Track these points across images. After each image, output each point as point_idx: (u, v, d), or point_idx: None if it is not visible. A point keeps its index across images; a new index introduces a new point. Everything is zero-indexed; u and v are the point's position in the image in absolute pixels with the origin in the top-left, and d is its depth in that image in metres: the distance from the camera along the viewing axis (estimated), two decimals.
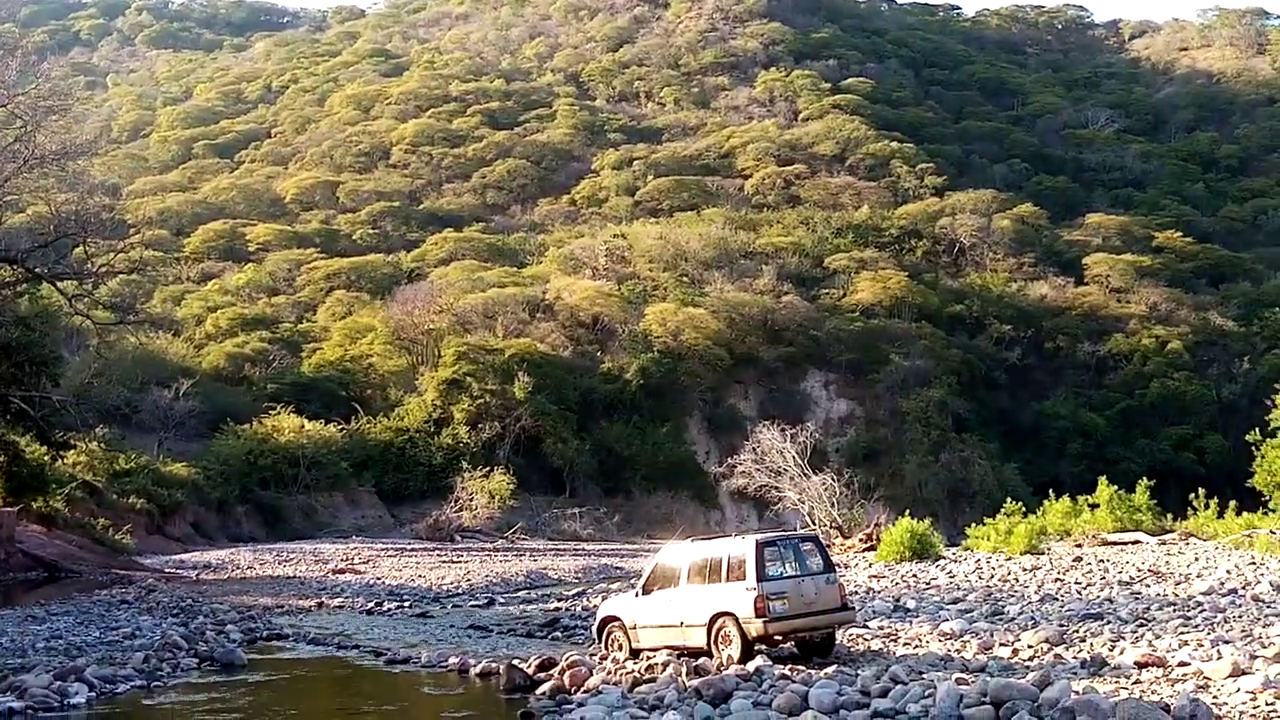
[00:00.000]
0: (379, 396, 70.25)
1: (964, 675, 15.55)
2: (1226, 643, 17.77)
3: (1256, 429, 41.20)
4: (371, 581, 34.90)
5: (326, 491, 59.67)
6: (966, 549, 40.93)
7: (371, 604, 29.64)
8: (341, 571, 38.01)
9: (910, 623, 22.00)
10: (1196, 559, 33.69)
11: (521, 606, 29.27)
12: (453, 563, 40.91)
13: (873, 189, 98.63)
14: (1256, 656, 16.30)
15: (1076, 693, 13.60)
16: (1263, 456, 40.09)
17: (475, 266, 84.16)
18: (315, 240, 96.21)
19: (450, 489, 58.22)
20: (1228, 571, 29.85)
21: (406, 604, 29.77)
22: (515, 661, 18.58)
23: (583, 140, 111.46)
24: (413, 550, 46.72)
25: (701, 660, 17.86)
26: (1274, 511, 39.45)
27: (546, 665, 18.16)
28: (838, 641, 19.44)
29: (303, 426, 60.85)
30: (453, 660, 19.96)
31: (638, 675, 17.35)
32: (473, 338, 70.98)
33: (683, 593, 19.04)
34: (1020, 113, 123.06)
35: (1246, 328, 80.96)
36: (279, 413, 61.88)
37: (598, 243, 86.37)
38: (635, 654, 19.21)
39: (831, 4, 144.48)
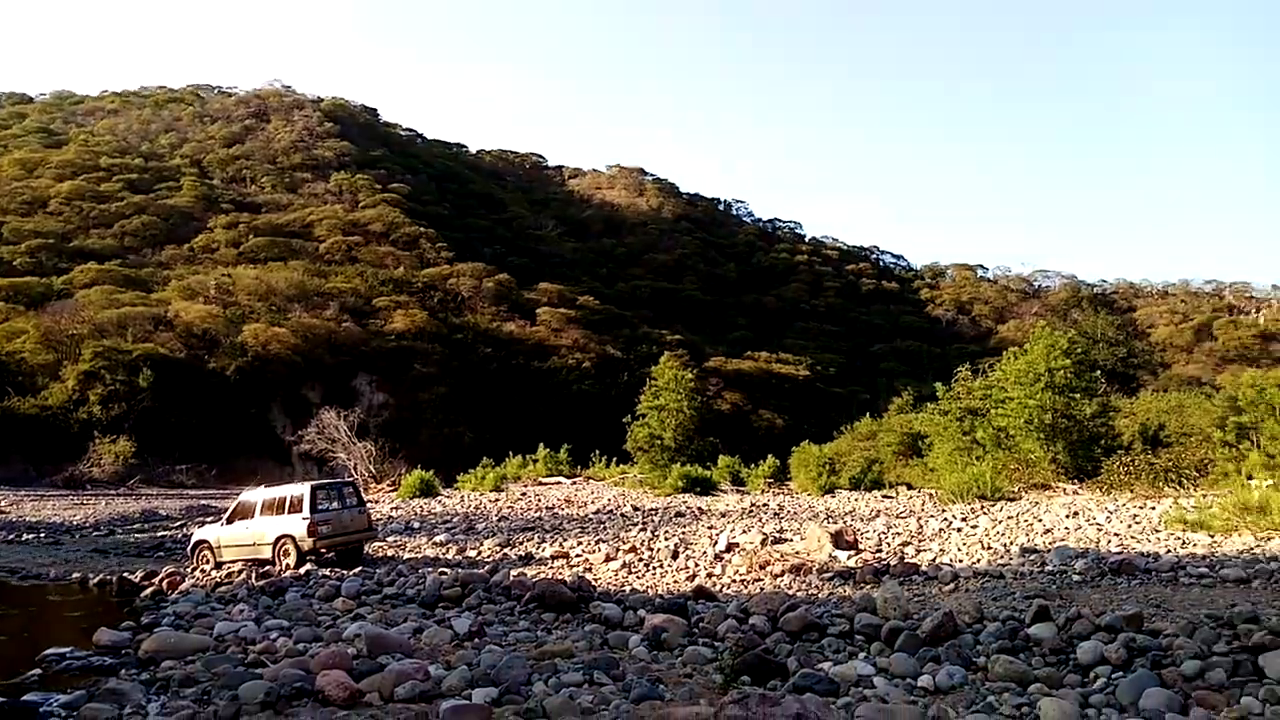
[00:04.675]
0: (29, 383, 60.19)
1: (445, 569, 15.55)
2: (604, 542, 18.90)
3: (629, 415, 44.41)
4: (14, 519, 29.82)
5: None
6: (457, 489, 41.05)
7: (12, 536, 25.30)
8: None
9: (414, 537, 21.71)
10: (593, 493, 35.64)
11: (135, 536, 26.06)
12: (83, 505, 35.76)
13: (407, 256, 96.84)
14: (620, 549, 17.45)
15: (514, 575, 13.94)
16: (631, 432, 43.25)
17: (113, 290, 73.96)
18: None
19: (85, 451, 51.26)
20: (610, 499, 31.80)
21: (42, 535, 25.69)
22: (124, 573, 16.56)
23: (202, 207, 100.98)
24: (51, 496, 40.40)
25: (267, 568, 16.81)
26: (636, 464, 42.65)
27: (150, 576, 16.40)
28: (365, 552, 18.88)
29: None
30: (75, 575, 17.51)
31: (219, 580, 16.05)
32: (108, 341, 62.67)
33: (257, 522, 17.90)
34: (502, 216, 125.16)
35: (627, 355, 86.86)
36: None
37: (210, 279, 79.06)
38: (219, 566, 17.79)
39: (385, 134, 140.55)
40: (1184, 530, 16.30)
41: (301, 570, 16.17)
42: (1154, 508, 20.54)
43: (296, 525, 17.21)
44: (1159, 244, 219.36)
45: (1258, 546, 14.13)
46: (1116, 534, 16.60)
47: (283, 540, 17.30)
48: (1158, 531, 16.59)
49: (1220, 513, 16.31)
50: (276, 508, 17.79)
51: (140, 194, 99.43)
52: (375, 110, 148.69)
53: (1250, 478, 20.22)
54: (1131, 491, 24.25)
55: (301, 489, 17.91)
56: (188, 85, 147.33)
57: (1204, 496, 19.80)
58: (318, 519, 17.25)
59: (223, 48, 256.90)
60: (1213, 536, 15.44)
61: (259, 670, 8.33)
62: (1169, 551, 14.24)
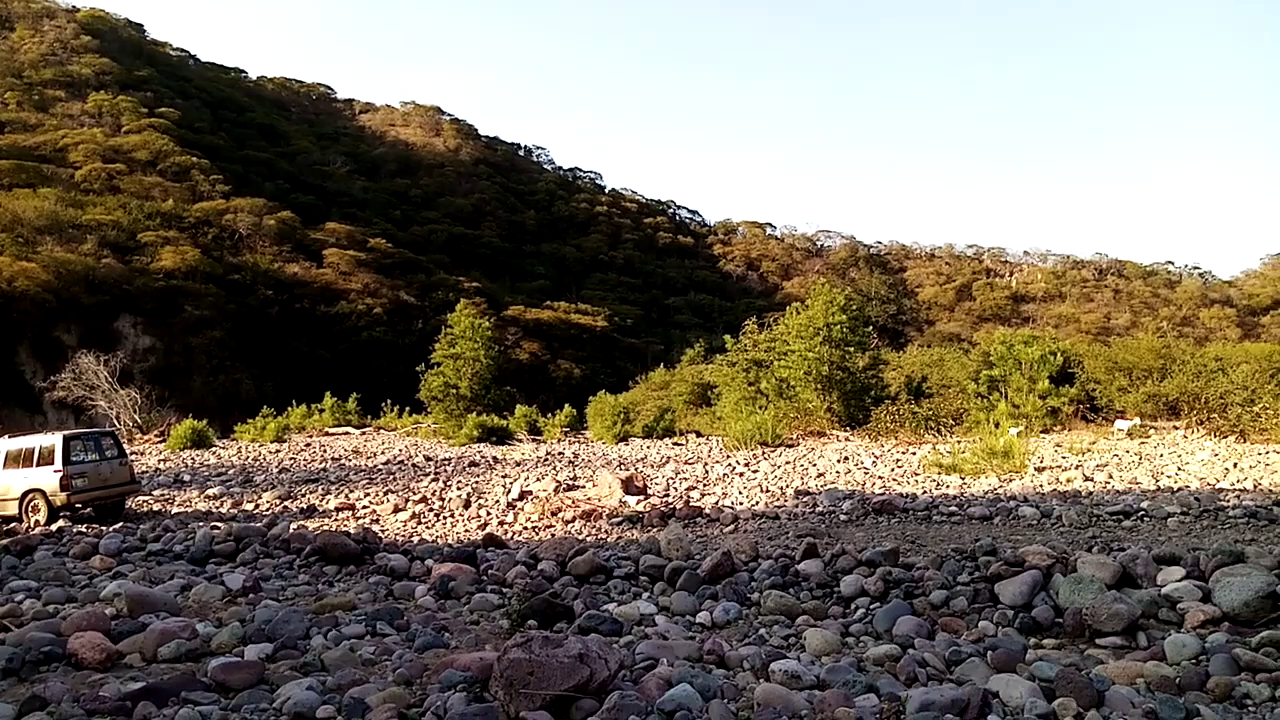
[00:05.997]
0: None
1: (218, 524, 14.73)
2: (393, 493, 18.55)
3: (423, 363, 43.45)
4: None
5: None
6: (234, 440, 38.90)
7: None
8: None
9: (185, 490, 20.44)
10: (384, 443, 34.78)
11: None
12: None
13: (177, 188, 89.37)
14: (409, 500, 17.18)
15: (295, 528, 13.43)
16: (425, 381, 42.41)
17: None
18: None
19: None
20: (401, 449, 31.16)
21: None
22: None
23: None
24: None
25: (13, 525, 15.33)
26: (430, 413, 41.92)
27: None
28: (128, 506, 17.60)
29: None
30: None
31: None
32: None
33: (1, 476, 16.23)
34: (285, 150, 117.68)
35: (422, 302, 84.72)
36: None
37: None
38: None
39: (151, 53, 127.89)
40: (939, 473, 17.94)
41: (54, 527, 14.90)
42: (915, 453, 22.44)
43: (47, 478, 15.80)
44: (930, 209, 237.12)
45: (1000, 487, 15.78)
46: (881, 477, 18.04)
47: (31, 495, 15.86)
48: (917, 475, 18.17)
49: (971, 457, 18.08)
50: (24, 459, 16.24)
51: None
52: (141, 26, 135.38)
53: (998, 425, 22.46)
54: (896, 438, 26.37)
55: (53, 439, 16.44)
56: None
57: (958, 443, 21.82)
58: (72, 471, 15.90)
59: None
60: (963, 479, 17.09)
61: (1, 636, 7.62)
62: (925, 492, 15.64)
